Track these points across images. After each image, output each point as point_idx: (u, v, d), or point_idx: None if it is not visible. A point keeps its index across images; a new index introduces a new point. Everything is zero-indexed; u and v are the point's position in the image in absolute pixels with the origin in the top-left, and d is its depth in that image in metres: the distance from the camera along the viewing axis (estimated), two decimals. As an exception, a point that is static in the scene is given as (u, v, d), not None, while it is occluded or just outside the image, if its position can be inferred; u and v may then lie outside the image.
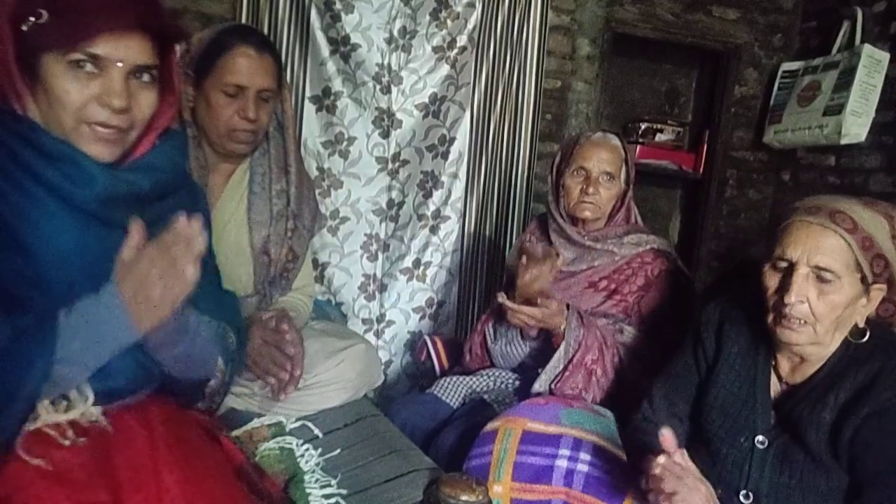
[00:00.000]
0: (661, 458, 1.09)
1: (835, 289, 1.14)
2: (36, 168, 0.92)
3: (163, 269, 0.88)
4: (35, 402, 0.89)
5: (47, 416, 0.91)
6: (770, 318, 1.20)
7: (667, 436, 1.10)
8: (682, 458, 1.10)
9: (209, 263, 1.19)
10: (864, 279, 1.15)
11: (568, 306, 1.59)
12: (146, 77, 0.98)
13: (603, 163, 1.72)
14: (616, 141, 1.77)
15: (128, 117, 0.97)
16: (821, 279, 1.14)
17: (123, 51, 0.94)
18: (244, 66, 1.48)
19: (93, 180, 0.94)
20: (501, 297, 1.58)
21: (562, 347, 1.58)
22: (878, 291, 1.18)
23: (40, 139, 0.93)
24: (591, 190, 1.71)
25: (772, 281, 1.20)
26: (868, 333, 1.18)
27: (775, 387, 1.27)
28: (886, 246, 1.16)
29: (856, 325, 1.19)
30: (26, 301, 0.91)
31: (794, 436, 1.19)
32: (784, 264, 1.17)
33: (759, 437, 1.22)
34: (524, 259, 1.60)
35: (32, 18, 0.88)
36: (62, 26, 0.90)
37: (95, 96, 0.94)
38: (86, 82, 0.93)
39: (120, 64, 0.94)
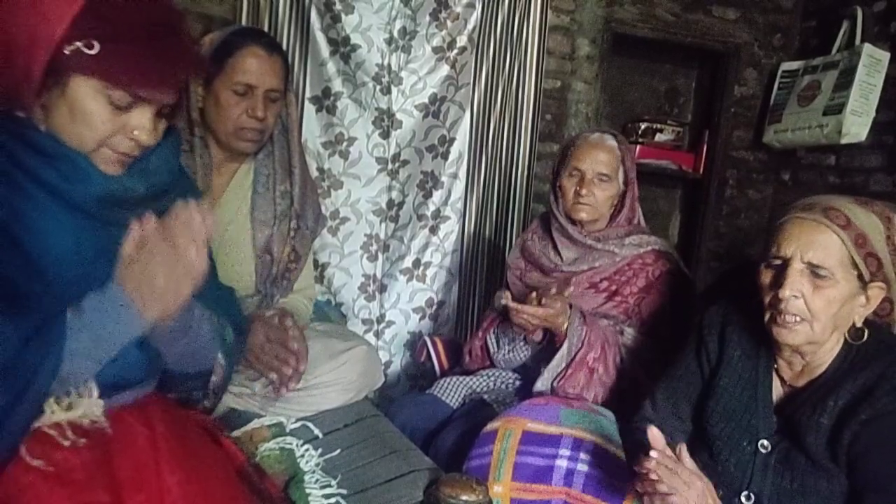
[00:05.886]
0: (653, 453, 1.08)
1: (830, 284, 1.13)
2: (32, 167, 0.92)
3: (165, 258, 0.87)
4: (44, 402, 0.89)
5: (51, 413, 0.91)
6: (767, 316, 1.19)
7: (655, 434, 1.09)
8: (679, 453, 1.09)
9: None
10: (860, 276, 1.14)
11: (571, 305, 1.60)
12: (166, 111, 1.01)
13: (598, 164, 1.71)
14: (612, 141, 1.76)
15: (146, 148, 0.99)
16: (815, 275, 1.13)
17: (161, 95, 0.96)
18: (254, 66, 1.51)
19: (89, 178, 0.95)
20: (506, 299, 1.57)
21: (564, 346, 1.58)
22: (879, 290, 1.16)
23: (36, 138, 0.93)
24: (584, 191, 1.70)
25: (767, 278, 1.19)
26: (866, 334, 1.17)
27: (778, 390, 1.26)
28: (879, 246, 1.14)
29: (853, 325, 1.18)
30: (29, 295, 0.91)
31: (795, 440, 1.19)
32: (778, 262, 1.17)
33: (763, 442, 1.22)
34: (533, 295, 1.58)
35: (79, 44, 0.88)
36: (113, 64, 0.90)
37: (126, 129, 0.95)
38: (119, 113, 0.94)
39: (153, 104, 0.96)
